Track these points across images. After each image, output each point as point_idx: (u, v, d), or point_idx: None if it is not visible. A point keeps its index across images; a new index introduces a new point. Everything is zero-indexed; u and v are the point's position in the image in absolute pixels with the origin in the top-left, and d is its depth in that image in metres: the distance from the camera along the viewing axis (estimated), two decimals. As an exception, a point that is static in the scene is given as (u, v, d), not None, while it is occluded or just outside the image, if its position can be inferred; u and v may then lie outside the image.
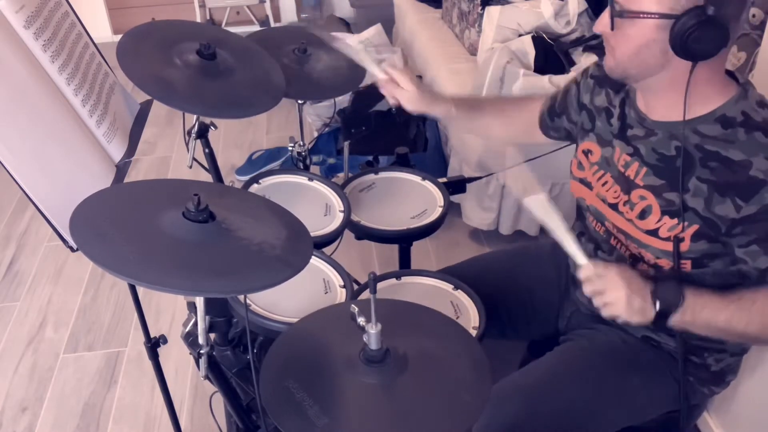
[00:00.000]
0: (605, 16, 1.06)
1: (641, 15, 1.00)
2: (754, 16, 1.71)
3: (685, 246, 1.11)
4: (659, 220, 1.13)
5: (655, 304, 1.07)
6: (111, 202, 1.02)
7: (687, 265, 1.14)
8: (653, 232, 1.14)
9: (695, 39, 0.97)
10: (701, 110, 1.07)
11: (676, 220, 1.11)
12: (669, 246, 1.13)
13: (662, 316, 1.08)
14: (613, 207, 1.21)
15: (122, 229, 0.94)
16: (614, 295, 1.08)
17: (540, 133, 1.44)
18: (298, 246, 1.02)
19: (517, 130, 1.48)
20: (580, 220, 1.36)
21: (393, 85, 1.37)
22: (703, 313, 1.08)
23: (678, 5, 0.98)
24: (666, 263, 1.16)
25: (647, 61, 1.05)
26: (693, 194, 1.08)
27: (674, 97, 1.08)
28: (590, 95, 1.28)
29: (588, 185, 1.26)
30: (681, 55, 1.01)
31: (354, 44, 1.42)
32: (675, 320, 1.08)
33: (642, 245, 1.17)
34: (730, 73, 1.10)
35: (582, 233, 1.34)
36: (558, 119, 1.38)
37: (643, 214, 1.15)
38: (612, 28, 1.04)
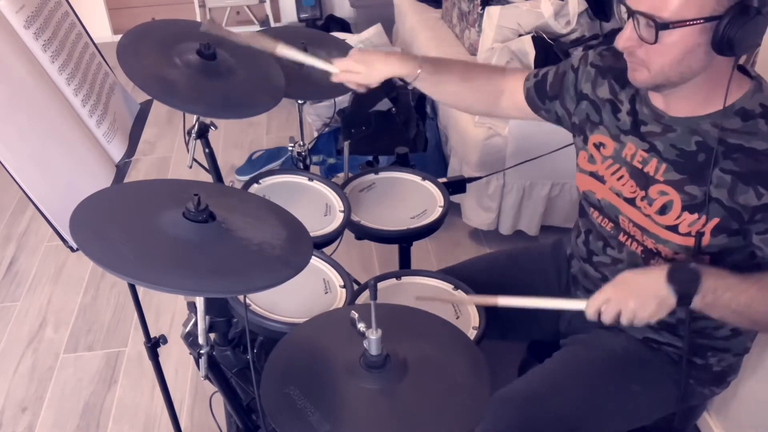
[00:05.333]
0: (629, 30, 1.04)
1: (688, 23, 0.98)
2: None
3: (705, 241, 1.11)
4: (679, 216, 1.13)
5: (674, 291, 1.06)
6: (111, 202, 1.02)
7: (706, 260, 1.14)
8: (673, 228, 1.14)
9: (742, 35, 0.97)
10: (720, 104, 1.07)
11: (696, 215, 1.11)
12: (688, 241, 1.12)
13: (683, 300, 1.07)
14: (630, 201, 1.20)
15: (122, 229, 0.94)
16: (631, 307, 1.08)
17: (506, 105, 1.41)
18: (298, 246, 1.02)
19: (482, 102, 1.43)
20: (584, 217, 1.35)
21: (347, 74, 1.32)
22: (725, 295, 1.06)
23: (720, 6, 0.97)
24: (683, 258, 1.15)
25: (691, 65, 1.04)
26: (716, 185, 1.08)
27: (696, 93, 1.08)
28: (591, 85, 1.26)
29: (600, 179, 1.25)
30: (726, 53, 1.00)
31: (284, 50, 1.33)
32: (696, 302, 1.07)
33: (660, 240, 1.16)
34: (740, 67, 1.10)
35: (589, 230, 1.33)
36: (550, 102, 1.35)
37: (664, 210, 1.14)
38: (655, 41, 1.01)
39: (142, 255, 0.90)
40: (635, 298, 1.08)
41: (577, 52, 1.32)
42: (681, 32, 0.99)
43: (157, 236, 0.94)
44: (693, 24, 0.98)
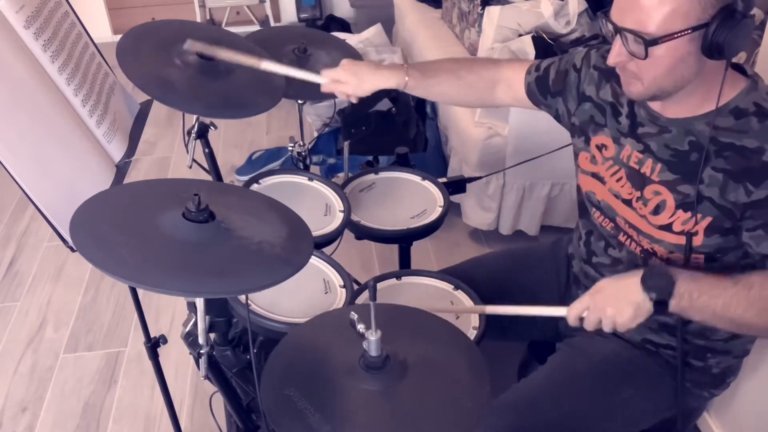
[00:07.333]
0: (618, 46, 1.05)
1: (675, 35, 0.99)
2: (754, 15, 1.71)
3: (698, 240, 1.12)
4: (673, 215, 1.13)
5: (648, 295, 1.07)
6: (110, 204, 1.02)
7: (700, 260, 1.14)
8: (667, 227, 1.14)
9: (730, 39, 0.97)
10: (714, 104, 1.07)
11: (689, 214, 1.11)
12: (682, 240, 1.13)
13: (659, 304, 1.07)
14: (627, 203, 1.21)
15: (121, 231, 0.94)
16: (609, 314, 1.09)
17: (503, 96, 1.41)
18: (298, 244, 1.02)
19: (476, 97, 1.44)
20: (585, 217, 1.35)
21: (335, 84, 1.34)
22: (701, 298, 1.06)
23: (705, 14, 0.98)
24: (679, 257, 1.16)
25: (684, 73, 1.04)
26: (708, 185, 1.08)
27: (691, 95, 1.08)
28: (595, 88, 1.26)
29: (601, 180, 1.26)
30: (716, 57, 1.00)
31: (269, 66, 1.33)
32: (672, 306, 1.07)
33: (655, 240, 1.17)
34: (736, 66, 1.11)
35: (590, 231, 1.33)
36: (552, 99, 1.34)
37: (657, 210, 1.15)
38: (645, 57, 1.02)
39: (142, 257, 0.90)
40: (612, 304, 1.09)
41: (578, 50, 1.32)
42: (670, 44, 1.00)
43: (156, 237, 0.94)
44: (681, 35, 0.99)
